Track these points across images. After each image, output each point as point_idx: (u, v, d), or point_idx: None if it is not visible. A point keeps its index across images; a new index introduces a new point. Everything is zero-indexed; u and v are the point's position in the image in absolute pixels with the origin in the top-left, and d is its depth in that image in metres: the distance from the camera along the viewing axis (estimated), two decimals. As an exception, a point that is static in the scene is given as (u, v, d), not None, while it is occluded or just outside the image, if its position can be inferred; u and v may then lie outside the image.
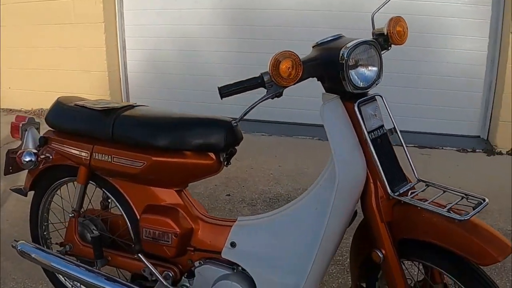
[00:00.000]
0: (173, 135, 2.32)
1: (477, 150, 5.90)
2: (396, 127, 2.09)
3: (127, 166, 2.37)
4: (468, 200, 1.89)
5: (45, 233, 3.01)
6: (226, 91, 1.86)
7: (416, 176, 2.04)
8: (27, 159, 2.62)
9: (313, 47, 2.00)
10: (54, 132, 2.71)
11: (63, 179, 2.79)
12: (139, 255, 2.44)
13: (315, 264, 2.04)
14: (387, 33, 2.02)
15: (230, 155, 2.36)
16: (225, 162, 2.35)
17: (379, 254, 1.94)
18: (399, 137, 2.07)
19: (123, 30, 6.98)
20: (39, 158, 2.65)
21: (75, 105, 2.60)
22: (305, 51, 2.00)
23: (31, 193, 2.92)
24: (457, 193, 1.93)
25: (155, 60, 6.94)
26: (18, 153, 2.64)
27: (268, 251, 2.19)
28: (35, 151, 2.65)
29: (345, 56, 1.86)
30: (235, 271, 2.28)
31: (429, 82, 6.20)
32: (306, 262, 2.05)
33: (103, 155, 2.45)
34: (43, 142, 2.68)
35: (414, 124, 6.16)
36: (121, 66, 7.00)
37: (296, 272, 2.09)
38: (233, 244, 2.24)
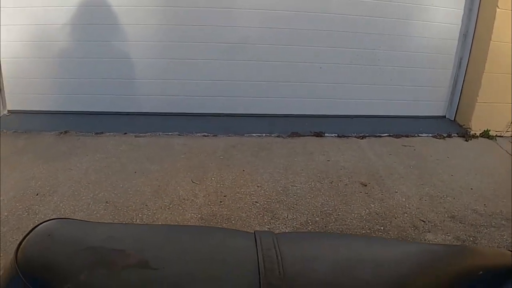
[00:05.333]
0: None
1: (452, 135, 5.47)
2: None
3: None
4: None
5: None
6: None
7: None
8: None
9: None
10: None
11: None
12: None
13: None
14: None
15: None
16: None
17: None
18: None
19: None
20: None
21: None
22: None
23: None
24: None
25: (39, 40, 5.11)
26: None
27: None
28: None
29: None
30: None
31: (395, 59, 5.51)
32: None
33: None
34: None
35: (381, 107, 5.68)
36: (-10, 50, 5.08)
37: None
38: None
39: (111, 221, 3.43)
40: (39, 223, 1.18)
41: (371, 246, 1.36)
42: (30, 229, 1.16)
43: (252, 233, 1.25)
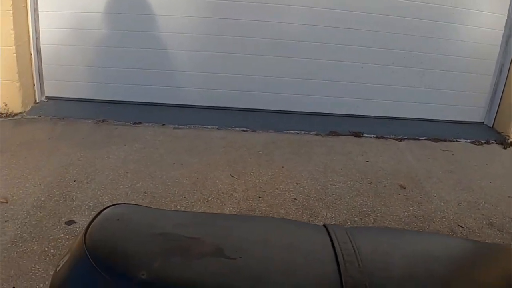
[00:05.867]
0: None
1: (490, 142, 5.35)
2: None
3: None
4: None
5: None
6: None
7: None
8: None
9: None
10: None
11: None
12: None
13: None
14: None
15: None
16: None
17: None
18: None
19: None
20: None
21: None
22: None
23: None
24: None
25: (79, 27, 5.14)
26: None
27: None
28: None
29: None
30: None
31: (436, 62, 5.41)
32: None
33: None
34: None
35: (421, 110, 5.60)
36: (32, 36, 5.07)
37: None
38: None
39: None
40: (105, 207, 1.14)
41: (441, 242, 1.34)
42: (96, 212, 1.12)
43: (322, 225, 1.22)
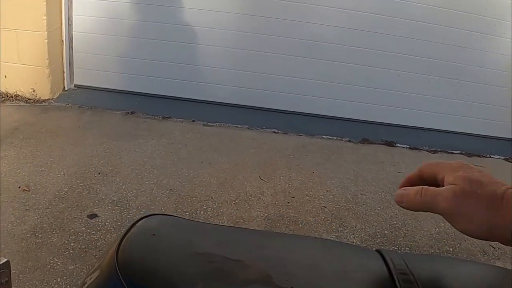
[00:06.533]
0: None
1: None
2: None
3: None
4: None
5: None
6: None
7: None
8: None
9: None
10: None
11: None
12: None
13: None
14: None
15: None
16: None
17: None
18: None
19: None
20: None
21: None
22: None
23: None
24: None
25: (114, 17, 5.06)
26: None
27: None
28: None
29: None
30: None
31: (473, 74, 5.25)
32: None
33: None
34: None
35: (455, 123, 5.45)
36: (65, 22, 5.00)
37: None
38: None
39: (178, 212, 3.33)
40: (139, 218, 1.00)
41: (497, 273, 1.21)
42: (130, 225, 0.98)
43: (374, 250, 1.10)
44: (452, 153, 4.98)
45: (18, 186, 3.43)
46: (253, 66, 5.15)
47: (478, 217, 0.77)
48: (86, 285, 0.85)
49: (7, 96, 4.82)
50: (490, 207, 0.76)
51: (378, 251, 1.06)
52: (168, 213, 1.28)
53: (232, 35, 5.10)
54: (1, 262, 1.12)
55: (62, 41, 4.99)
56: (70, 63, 5.15)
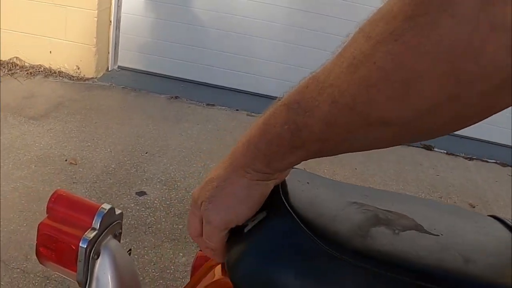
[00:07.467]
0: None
1: None
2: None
3: None
4: None
5: None
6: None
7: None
8: None
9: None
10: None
11: None
12: None
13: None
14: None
15: None
16: None
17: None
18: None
19: None
20: None
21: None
22: None
23: None
24: None
25: (164, 1, 5.06)
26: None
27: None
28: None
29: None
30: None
31: None
32: None
33: None
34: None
35: (491, 132, 5.32)
36: (114, 3, 5.00)
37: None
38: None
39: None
40: None
41: None
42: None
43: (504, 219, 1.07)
44: (487, 161, 4.95)
45: (64, 159, 3.44)
46: (301, 60, 5.06)
47: None
48: (247, 227, 0.82)
49: (51, 72, 4.83)
50: None
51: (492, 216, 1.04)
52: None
53: (283, 29, 5.07)
54: (117, 213, 1.10)
55: (110, 21, 4.99)
56: (116, 44, 5.15)
